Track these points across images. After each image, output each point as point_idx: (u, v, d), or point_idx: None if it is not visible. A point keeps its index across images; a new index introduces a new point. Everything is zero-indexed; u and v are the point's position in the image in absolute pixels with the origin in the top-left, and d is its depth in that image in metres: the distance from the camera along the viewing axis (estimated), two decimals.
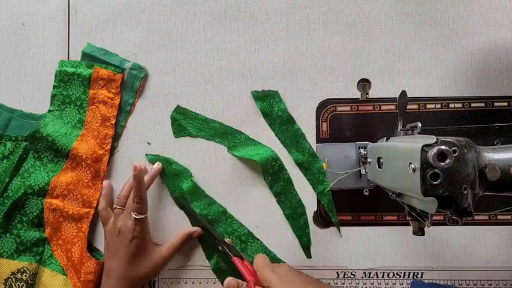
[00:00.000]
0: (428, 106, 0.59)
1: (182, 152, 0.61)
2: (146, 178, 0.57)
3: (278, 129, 0.60)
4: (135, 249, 0.55)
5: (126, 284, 0.54)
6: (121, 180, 0.61)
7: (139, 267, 0.55)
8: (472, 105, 0.58)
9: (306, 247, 0.59)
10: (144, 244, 0.55)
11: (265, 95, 0.60)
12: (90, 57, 0.62)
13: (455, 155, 0.35)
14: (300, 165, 0.59)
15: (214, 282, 0.60)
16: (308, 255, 0.59)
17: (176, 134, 0.61)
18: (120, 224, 0.55)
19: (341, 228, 0.59)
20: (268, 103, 0.60)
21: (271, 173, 0.59)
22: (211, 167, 0.61)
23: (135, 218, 0.54)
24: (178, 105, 0.61)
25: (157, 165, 0.60)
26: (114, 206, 0.57)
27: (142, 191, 0.55)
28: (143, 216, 0.55)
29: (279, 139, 0.60)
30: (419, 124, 0.43)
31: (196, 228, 0.59)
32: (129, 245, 0.54)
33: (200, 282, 0.60)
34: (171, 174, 0.60)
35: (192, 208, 0.59)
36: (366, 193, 0.58)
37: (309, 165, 0.59)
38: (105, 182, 0.60)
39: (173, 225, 0.60)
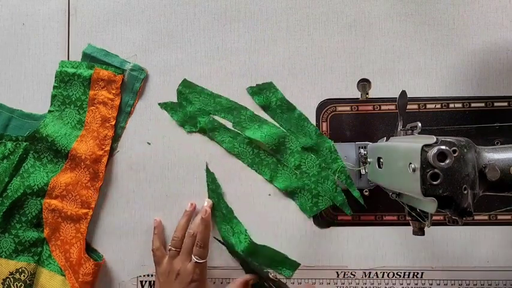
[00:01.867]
0: (428, 106, 0.59)
1: (182, 151, 0.61)
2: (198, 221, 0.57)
3: (280, 118, 0.60)
4: None
5: None
6: (121, 181, 0.61)
7: None
8: (472, 105, 0.58)
9: (343, 205, 0.58)
10: (202, 287, 0.55)
11: (260, 88, 0.60)
12: (90, 58, 0.62)
13: (455, 155, 0.35)
14: (309, 149, 0.59)
15: (214, 282, 0.60)
16: (348, 211, 0.58)
17: (179, 112, 0.61)
18: (179, 267, 0.54)
19: (341, 228, 0.59)
20: (264, 96, 0.60)
21: (284, 149, 0.59)
22: (210, 168, 0.61)
23: (196, 262, 0.54)
24: (185, 79, 0.61)
25: (207, 203, 0.58)
26: (169, 247, 0.56)
27: (208, 235, 0.56)
28: (204, 260, 0.55)
29: (284, 128, 0.60)
30: (419, 124, 0.43)
31: (252, 276, 0.58)
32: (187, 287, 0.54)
33: None
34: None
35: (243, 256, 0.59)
36: (366, 193, 0.58)
37: (318, 147, 0.59)
38: (156, 221, 0.59)
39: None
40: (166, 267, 0.55)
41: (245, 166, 0.60)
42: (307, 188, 0.59)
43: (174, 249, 0.56)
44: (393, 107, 0.59)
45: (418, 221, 0.44)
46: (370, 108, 0.59)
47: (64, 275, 0.59)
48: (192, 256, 0.54)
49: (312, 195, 0.59)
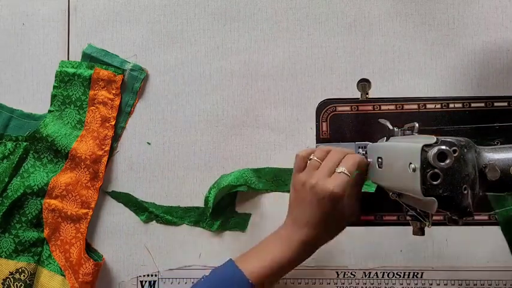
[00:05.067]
0: (428, 106, 0.59)
1: (182, 151, 0.61)
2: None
3: None
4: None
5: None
6: (121, 181, 0.61)
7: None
8: (472, 105, 0.58)
9: None
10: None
11: None
12: (90, 58, 0.62)
13: (455, 155, 0.35)
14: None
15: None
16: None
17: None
18: (315, 181, 0.47)
19: None
20: None
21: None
22: (210, 168, 0.61)
23: (341, 173, 0.47)
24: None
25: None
26: (311, 157, 0.49)
27: (364, 163, 0.49)
28: (349, 178, 0.47)
29: None
30: (417, 124, 0.43)
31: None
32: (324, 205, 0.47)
33: None
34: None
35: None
36: None
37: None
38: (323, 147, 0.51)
39: None
40: (304, 176, 0.49)
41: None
42: None
43: (316, 159, 0.49)
44: (393, 107, 0.59)
45: (418, 221, 0.44)
46: (370, 108, 0.59)
47: (64, 275, 0.59)
48: (340, 166, 0.47)
49: None
